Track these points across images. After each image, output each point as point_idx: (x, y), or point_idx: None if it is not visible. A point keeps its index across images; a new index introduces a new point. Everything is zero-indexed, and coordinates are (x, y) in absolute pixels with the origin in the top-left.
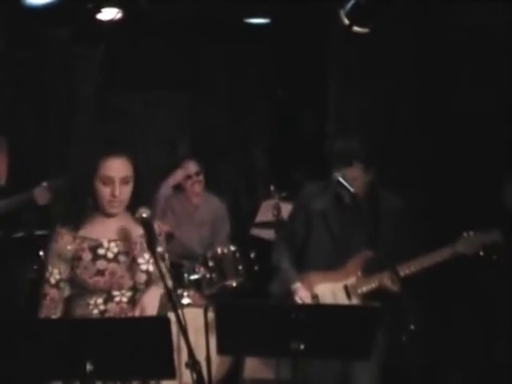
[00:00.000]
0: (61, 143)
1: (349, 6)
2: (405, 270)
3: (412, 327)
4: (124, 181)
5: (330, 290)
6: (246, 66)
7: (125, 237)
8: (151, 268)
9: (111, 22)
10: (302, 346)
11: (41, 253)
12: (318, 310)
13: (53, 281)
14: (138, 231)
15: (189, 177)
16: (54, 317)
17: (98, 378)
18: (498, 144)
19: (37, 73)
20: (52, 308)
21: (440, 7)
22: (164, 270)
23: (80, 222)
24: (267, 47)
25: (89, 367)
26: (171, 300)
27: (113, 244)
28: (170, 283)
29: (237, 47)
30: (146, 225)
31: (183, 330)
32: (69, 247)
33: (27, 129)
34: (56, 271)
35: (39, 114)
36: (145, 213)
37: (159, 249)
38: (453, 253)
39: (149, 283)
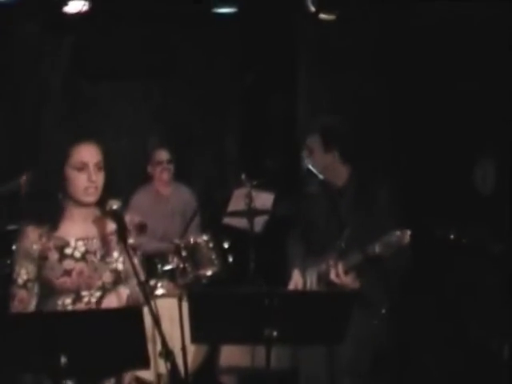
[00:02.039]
0: (32, 135)
1: None
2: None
3: (383, 311)
4: (98, 166)
5: (310, 277)
6: (216, 54)
7: (94, 234)
8: (120, 266)
9: (78, 14)
10: (275, 333)
11: (14, 247)
12: (291, 296)
13: (20, 281)
14: (108, 228)
15: (159, 163)
16: None
17: (72, 372)
18: (468, 129)
19: (6, 66)
20: (21, 309)
21: None
22: (136, 262)
23: (58, 221)
24: (236, 35)
25: (63, 360)
26: (144, 292)
27: (80, 243)
28: (142, 276)
29: (206, 36)
30: (117, 217)
31: (156, 321)
32: (34, 246)
33: None
34: (23, 271)
35: (9, 107)
36: (115, 204)
37: (130, 241)
38: (370, 254)
39: (117, 282)
